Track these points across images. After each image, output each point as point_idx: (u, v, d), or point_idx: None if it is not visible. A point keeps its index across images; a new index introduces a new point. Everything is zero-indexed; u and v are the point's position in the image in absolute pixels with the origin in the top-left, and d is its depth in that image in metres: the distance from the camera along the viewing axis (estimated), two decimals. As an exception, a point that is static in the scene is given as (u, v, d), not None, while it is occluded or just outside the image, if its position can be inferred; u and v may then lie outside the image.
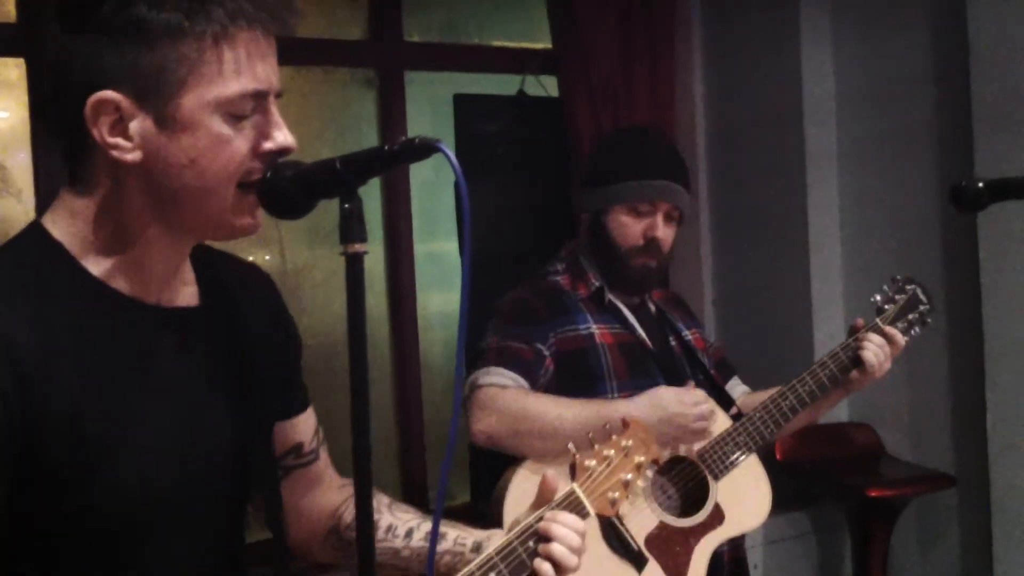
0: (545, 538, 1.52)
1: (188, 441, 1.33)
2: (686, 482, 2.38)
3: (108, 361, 1.27)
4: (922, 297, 2.57)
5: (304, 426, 1.60)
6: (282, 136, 1.29)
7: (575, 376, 2.43)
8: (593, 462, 1.62)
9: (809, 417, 2.52)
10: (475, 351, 2.43)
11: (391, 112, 3.89)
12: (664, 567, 2.30)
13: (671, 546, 2.32)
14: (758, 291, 4.16)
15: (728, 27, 4.24)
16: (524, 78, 4.01)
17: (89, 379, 1.24)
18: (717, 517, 2.39)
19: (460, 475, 3.85)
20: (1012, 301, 3.42)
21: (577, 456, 1.61)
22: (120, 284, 1.31)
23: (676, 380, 2.50)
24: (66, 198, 1.30)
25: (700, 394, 2.36)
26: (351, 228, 1.18)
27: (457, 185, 1.16)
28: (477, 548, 1.56)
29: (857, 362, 2.44)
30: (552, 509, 1.55)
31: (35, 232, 1.30)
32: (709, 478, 2.38)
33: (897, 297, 2.55)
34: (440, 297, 4.33)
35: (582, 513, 1.57)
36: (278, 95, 1.31)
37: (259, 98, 1.27)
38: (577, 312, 2.49)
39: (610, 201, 2.52)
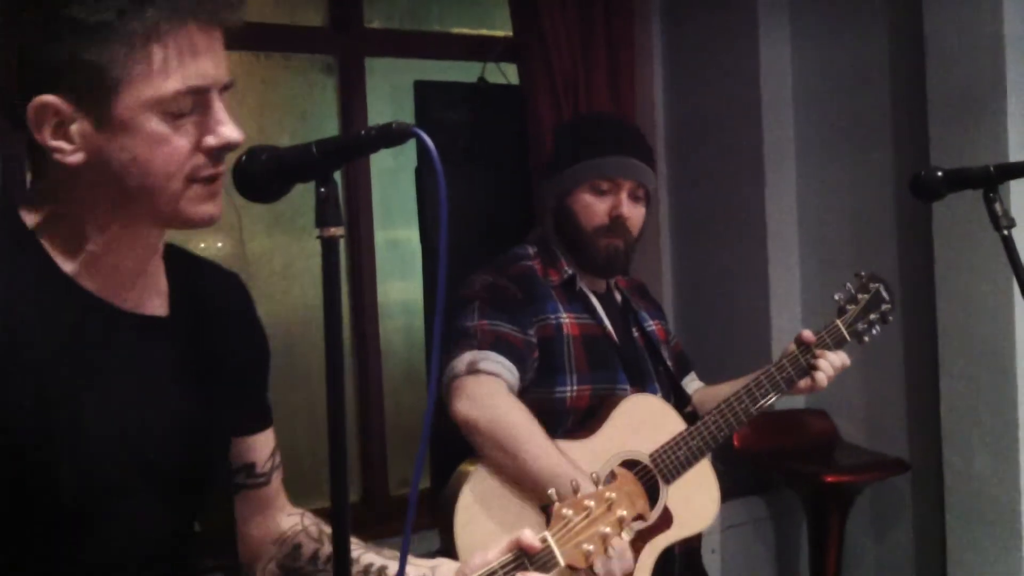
0: None
1: (142, 440, 1.34)
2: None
3: (71, 355, 1.28)
4: (885, 295, 2.57)
5: (260, 446, 1.60)
6: (226, 131, 1.28)
7: (539, 365, 2.42)
8: (571, 511, 1.57)
9: (757, 415, 2.52)
10: (459, 331, 2.36)
11: (352, 99, 3.88)
12: None
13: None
14: (717, 283, 4.20)
15: (688, 21, 4.26)
16: (485, 65, 4.01)
17: (51, 371, 1.25)
18: (665, 520, 2.38)
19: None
20: (965, 291, 3.48)
21: (556, 504, 1.57)
22: (87, 283, 1.31)
23: (637, 374, 2.50)
24: (33, 190, 1.32)
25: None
26: (327, 212, 1.18)
27: (433, 171, 1.17)
28: None
29: (808, 373, 2.46)
30: (521, 557, 1.52)
31: (9, 217, 1.31)
32: (660, 481, 2.38)
33: (860, 296, 2.55)
34: (400, 285, 4.32)
35: (552, 562, 1.54)
36: (226, 87, 1.29)
37: (199, 94, 1.26)
38: (548, 300, 2.46)
39: (572, 184, 2.50)
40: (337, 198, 1.20)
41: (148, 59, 1.21)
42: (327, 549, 1.57)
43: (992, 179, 1.86)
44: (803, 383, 2.47)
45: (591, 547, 1.56)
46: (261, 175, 1.24)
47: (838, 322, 2.52)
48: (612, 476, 1.64)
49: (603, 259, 2.50)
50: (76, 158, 1.24)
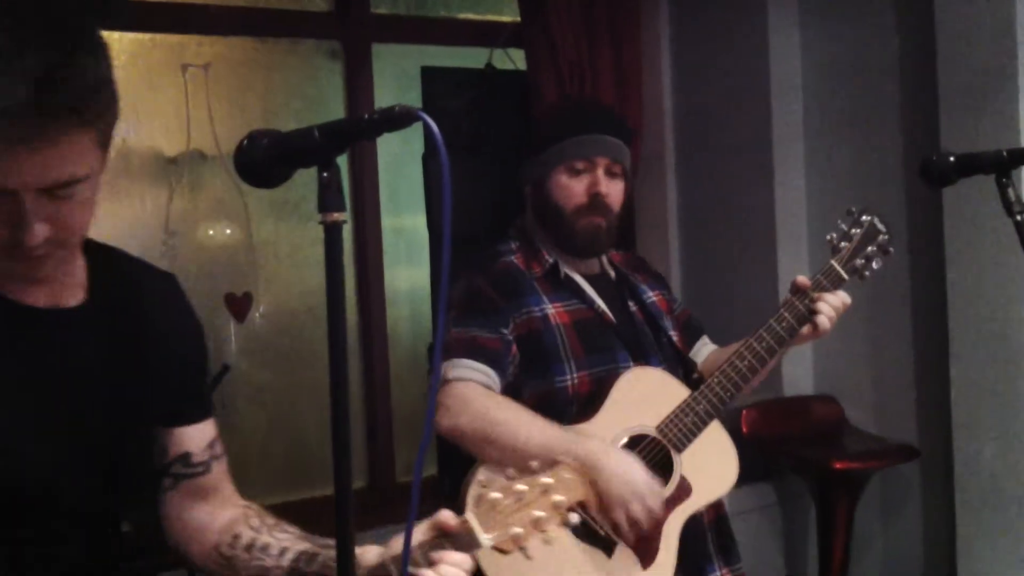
0: (425, 563, 1.49)
1: (49, 437, 1.36)
2: (650, 459, 2.36)
3: None
4: (879, 226, 2.49)
5: (197, 436, 1.61)
6: (28, 235, 1.26)
7: (531, 360, 2.38)
8: (499, 495, 1.54)
9: (765, 372, 2.48)
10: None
11: (358, 85, 3.86)
12: (634, 548, 2.29)
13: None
14: (725, 270, 4.18)
15: (696, 6, 4.23)
16: (492, 51, 3.99)
17: None
18: (684, 490, 2.36)
19: (428, 448, 3.84)
20: (976, 276, 3.46)
21: (484, 488, 1.55)
22: None
23: (640, 352, 2.48)
24: None
25: (665, 496, 2.32)
26: (330, 197, 1.16)
27: (436, 154, 1.14)
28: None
29: (808, 319, 2.40)
30: (441, 538, 1.51)
31: None
32: (672, 452, 2.36)
33: (853, 232, 2.48)
34: (407, 272, 4.32)
35: (472, 543, 1.52)
36: (57, 186, 1.26)
37: (6, 195, 1.24)
38: (531, 294, 2.43)
39: (547, 166, 2.48)
40: (340, 183, 1.18)
41: None
42: (263, 538, 1.60)
43: (1005, 164, 1.84)
44: (805, 330, 2.41)
45: (520, 530, 1.53)
46: (262, 160, 1.22)
47: (832, 261, 2.44)
48: (552, 464, 1.62)
49: (585, 239, 2.47)
50: None
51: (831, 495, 3.80)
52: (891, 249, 2.50)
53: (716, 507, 2.49)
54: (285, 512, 1.64)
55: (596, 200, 2.44)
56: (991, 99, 3.32)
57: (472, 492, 2.24)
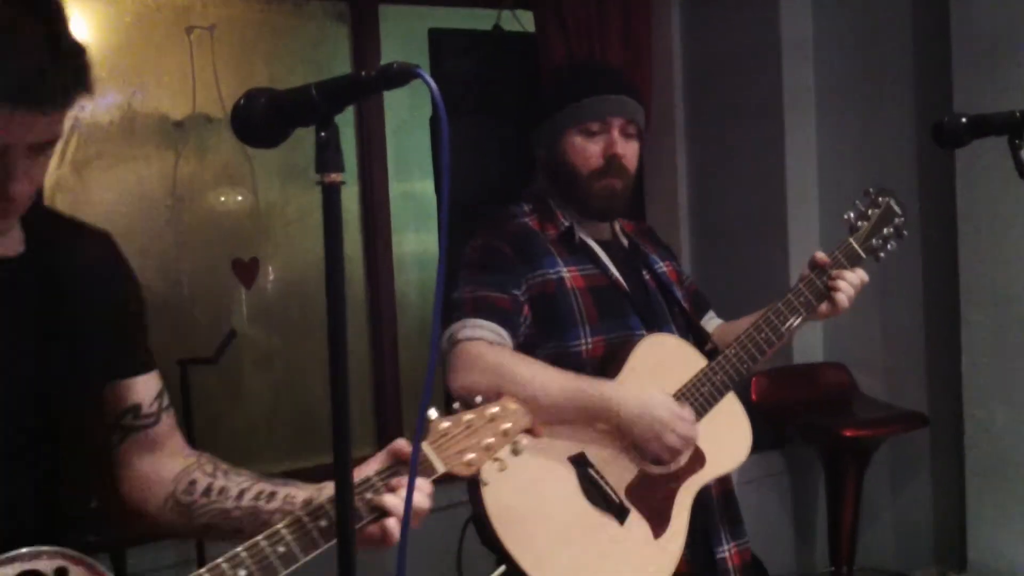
0: (384, 491, 1.54)
1: None
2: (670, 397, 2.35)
3: None
4: (896, 208, 2.49)
5: (144, 388, 1.62)
6: (12, 188, 1.34)
7: (546, 322, 2.37)
8: (449, 424, 1.63)
9: (779, 347, 2.48)
10: (449, 303, 2.35)
11: (365, 47, 3.83)
12: (646, 516, 2.27)
13: (653, 494, 2.29)
14: (735, 232, 4.16)
15: (706, -36, 4.19)
16: (500, 13, 3.95)
17: None
18: (698, 460, 2.35)
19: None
20: (988, 241, 3.43)
21: (433, 420, 1.62)
22: None
23: (652, 319, 2.46)
24: None
25: (692, 417, 2.31)
26: (327, 157, 1.14)
27: (436, 112, 1.12)
28: (308, 503, 1.55)
29: (826, 296, 2.41)
30: (398, 465, 1.57)
31: None
32: None
33: (871, 212, 2.48)
34: (415, 237, 4.30)
35: (429, 469, 1.59)
36: (44, 145, 1.35)
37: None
38: (546, 255, 2.41)
39: (561, 128, 2.44)
40: (338, 143, 1.16)
41: None
42: (220, 482, 1.61)
43: (1018, 125, 1.81)
44: (823, 307, 2.41)
45: (473, 455, 1.63)
46: (260, 119, 1.21)
47: (851, 239, 2.45)
48: (497, 397, 1.70)
49: (601, 202, 2.44)
50: None
51: (840, 463, 3.79)
52: (906, 232, 2.50)
53: (723, 482, 2.47)
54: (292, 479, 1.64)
55: (612, 161, 2.41)
56: (1004, 60, 3.28)
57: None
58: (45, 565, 1.35)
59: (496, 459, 1.67)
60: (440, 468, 1.60)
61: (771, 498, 4.10)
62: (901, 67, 3.79)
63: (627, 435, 2.23)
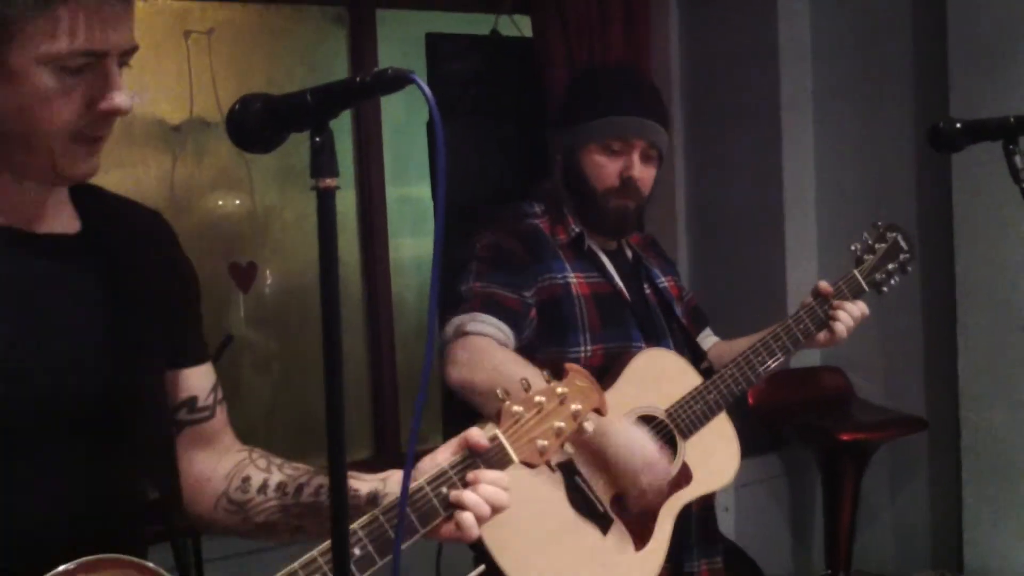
0: (460, 484, 1.47)
1: (39, 365, 1.30)
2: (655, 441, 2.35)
3: None
4: (903, 244, 2.52)
5: (200, 380, 1.56)
6: (116, 97, 1.27)
7: (548, 326, 2.37)
8: (521, 408, 1.55)
9: (776, 370, 2.50)
10: (455, 295, 2.32)
11: (362, 51, 3.83)
12: (629, 528, 2.27)
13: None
14: (732, 235, 4.16)
15: (704, -32, 4.20)
16: (497, 17, 3.96)
17: None
18: (684, 476, 2.35)
19: (433, 417, 3.85)
20: (985, 245, 3.43)
21: (506, 402, 1.54)
22: None
23: (651, 332, 2.46)
24: None
25: (668, 466, 2.31)
26: (322, 162, 1.14)
27: (431, 118, 1.12)
28: (372, 499, 1.50)
29: (826, 325, 2.43)
30: (471, 457, 1.49)
31: None
32: (678, 437, 2.35)
33: (877, 246, 2.51)
34: (412, 242, 4.30)
35: (505, 459, 1.51)
36: (126, 53, 1.29)
37: (95, 56, 1.25)
38: (555, 259, 2.41)
39: (583, 140, 2.44)
40: (333, 147, 1.16)
41: (51, 15, 1.21)
42: (276, 477, 1.55)
43: (1012, 130, 1.81)
44: (822, 336, 2.43)
45: (545, 442, 1.55)
46: (255, 124, 1.21)
47: (855, 272, 2.47)
48: (564, 372, 1.62)
49: (613, 221, 2.45)
50: None
51: (838, 466, 3.79)
52: (910, 269, 2.53)
53: (704, 499, 2.48)
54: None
55: (628, 183, 2.41)
56: (1002, 63, 3.29)
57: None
58: None
59: (566, 445, 1.58)
60: (515, 459, 1.53)
61: (768, 501, 4.10)
62: (899, 69, 3.80)
63: (608, 463, 2.22)
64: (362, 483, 1.53)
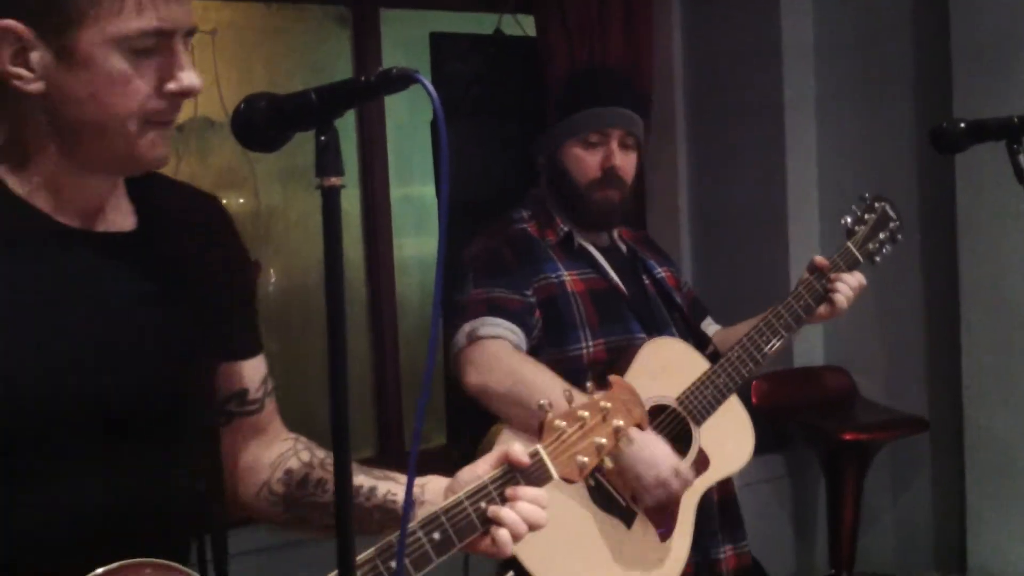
0: (499, 500, 1.45)
1: (93, 363, 1.29)
2: (668, 430, 2.36)
3: (15, 274, 1.26)
4: (891, 213, 2.55)
5: (252, 372, 1.56)
6: (187, 77, 1.27)
7: (548, 327, 2.39)
8: (564, 423, 1.51)
9: (779, 350, 2.50)
10: (456, 305, 2.35)
11: (366, 51, 3.83)
12: (652, 519, 2.29)
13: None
14: (735, 232, 4.15)
15: (707, -32, 4.20)
16: (501, 17, 3.96)
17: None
18: (702, 462, 2.36)
19: (435, 417, 3.85)
20: (988, 245, 3.43)
21: (548, 415, 1.51)
22: (42, 203, 1.30)
23: (652, 323, 2.48)
24: None
25: (692, 476, 2.31)
26: (327, 161, 1.14)
27: (435, 118, 1.12)
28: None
29: (825, 298, 2.44)
30: (511, 471, 1.47)
31: None
32: (691, 424, 2.36)
33: (867, 216, 2.53)
34: (416, 241, 4.30)
35: (545, 476, 1.49)
36: (189, 33, 1.28)
37: (163, 36, 1.25)
38: (547, 260, 2.44)
39: (560, 138, 2.48)
40: (338, 146, 1.17)
41: None
42: (317, 473, 1.55)
43: (1015, 130, 1.82)
44: (823, 309, 2.45)
45: (586, 459, 1.52)
46: (260, 123, 1.22)
47: (849, 244, 2.50)
48: (607, 384, 1.59)
49: (599, 212, 2.48)
50: (35, 87, 1.24)
51: (840, 466, 3.79)
52: (900, 237, 2.55)
53: (725, 484, 2.49)
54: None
55: (610, 173, 2.45)
56: (1004, 64, 3.29)
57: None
58: None
59: (606, 460, 1.55)
60: (555, 476, 1.49)
61: (771, 501, 4.10)
62: (902, 69, 3.79)
63: (624, 473, 2.22)
64: (400, 487, 1.53)
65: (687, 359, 2.43)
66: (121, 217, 1.38)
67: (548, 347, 2.38)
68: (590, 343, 2.39)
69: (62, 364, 1.27)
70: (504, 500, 1.45)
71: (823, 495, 3.96)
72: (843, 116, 3.99)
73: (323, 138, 1.15)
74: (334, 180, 1.14)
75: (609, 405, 1.55)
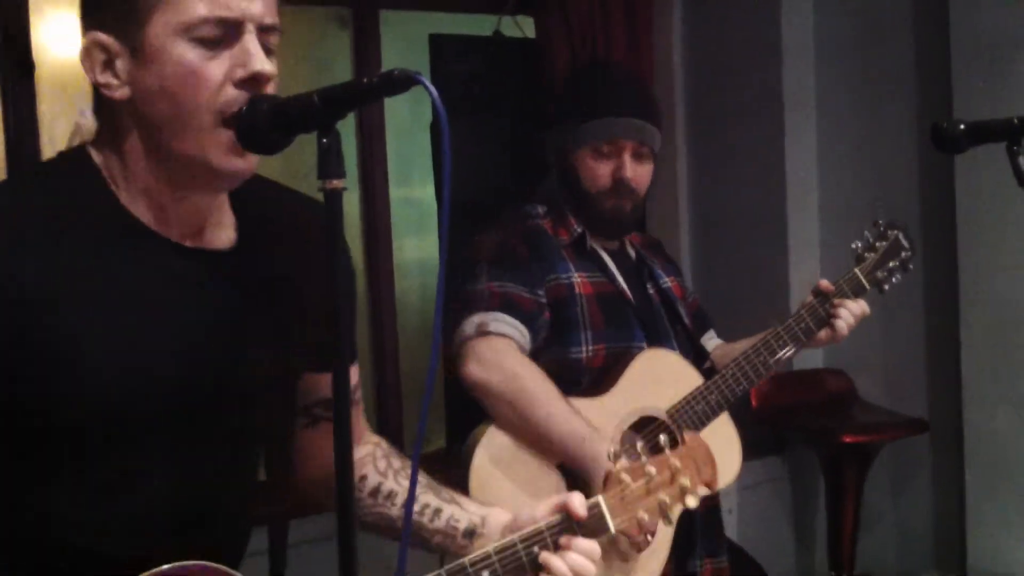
0: (552, 546, 1.47)
1: (180, 371, 1.32)
2: (655, 442, 2.35)
3: (117, 289, 1.29)
4: (904, 242, 2.54)
5: None
6: (256, 62, 1.27)
7: (553, 326, 2.39)
8: (629, 477, 1.51)
9: (775, 370, 2.50)
10: (467, 294, 2.33)
11: (366, 52, 3.83)
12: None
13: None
14: (735, 231, 4.15)
15: (707, -33, 4.20)
16: (500, 18, 3.96)
17: (92, 301, 1.26)
18: None
19: (436, 419, 3.85)
20: (988, 246, 3.43)
21: (616, 467, 1.52)
22: (145, 216, 1.33)
23: (654, 332, 2.47)
24: (99, 131, 1.36)
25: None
26: (329, 164, 1.15)
27: (437, 119, 1.12)
28: (470, 533, 1.54)
29: (827, 323, 2.44)
30: (569, 520, 1.48)
31: (78, 154, 1.35)
32: (679, 437, 2.35)
33: (878, 244, 2.52)
34: (416, 243, 4.30)
35: (603, 528, 1.50)
36: (266, 29, 1.30)
37: (230, 27, 1.26)
38: (559, 260, 2.43)
39: (573, 145, 2.46)
40: (340, 149, 1.17)
41: None
42: (388, 485, 1.59)
43: (1016, 131, 1.81)
44: (823, 334, 2.45)
45: (646, 516, 1.52)
46: (262, 125, 1.23)
47: (856, 270, 2.48)
48: (681, 441, 1.59)
49: (609, 221, 2.47)
50: (122, 93, 1.28)
51: (840, 468, 3.79)
52: (911, 267, 2.53)
53: (710, 498, 2.48)
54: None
55: (621, 184, 2.43)
56: (1004, 63, 3.29)
57: (476, 461, 2.24)
58: None
59: (666, 516, 1.54)
60: (611, 529, 1.50)
61: (771, 503, 4.10)
62: (902, 68, 3.79)
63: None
64: (463, 514, 1.57)
65: (680, 372, 2.43)
66: (223, 233, 1.40)
67: (550, 346, 2.38)
68: (591, 346, 2.38)
69: (146, 362, 1.30)
70: (557, 547, 1.47)
71: (823, 497, 3.96)
72: (843, 116, 3.99)
73: (325, 140, 1.16)
74: (336, 183, 1.15)
75: (679, 464, 1.55)
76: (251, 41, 1.27)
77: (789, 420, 3.92)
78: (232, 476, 1.43)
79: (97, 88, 1.29)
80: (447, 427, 3.61)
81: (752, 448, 2.48)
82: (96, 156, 1.34)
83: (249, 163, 1.31)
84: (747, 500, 3.93)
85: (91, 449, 1.28)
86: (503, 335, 2.26)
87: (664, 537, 2.30)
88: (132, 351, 1.29)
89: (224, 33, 1.25)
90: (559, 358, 2.37)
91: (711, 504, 2.52)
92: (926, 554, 3.89)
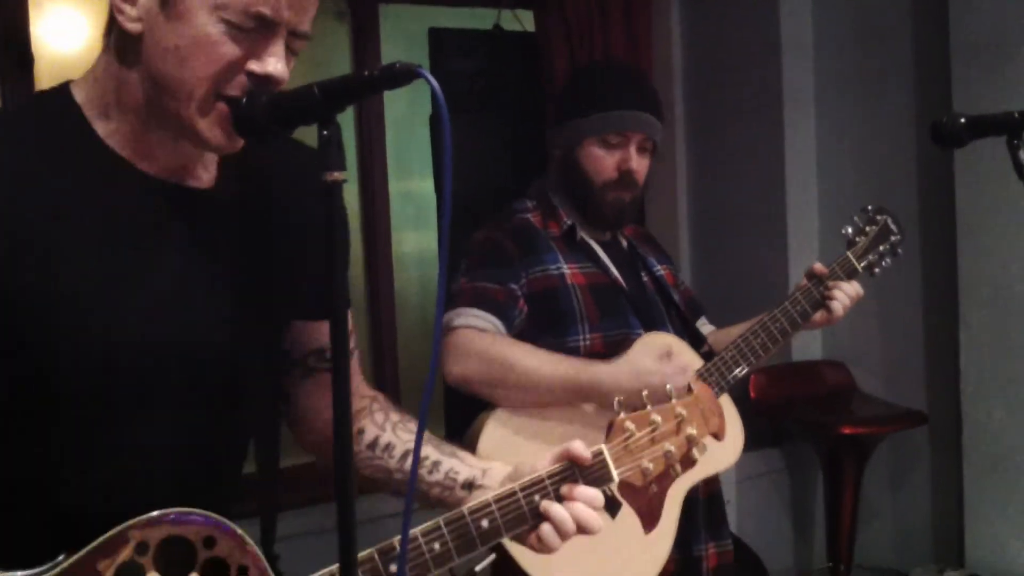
0: (554, 496, 1.45)
1: (169, 319, 1.31)
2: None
3: (98, 224, 1.28)
4: (892, 227, 2.57)
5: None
6: (272, 64, 1.28)
7: (546, 318, 2.40)
8: (633, 425, 1.47)
9: (771, 353, 2.51)
10: (448, 294, 2.37)
11: (365, 46, 3.83)
12: (638, 511, 2.29)
13: (644, 489, 2.31)
14: (734, 228, 4.16)
15: (706, -37, 4.20)
16: (500, 12, 3.96)
17: (71, 237, 1.26)
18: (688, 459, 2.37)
19: (435, 413, 3.85)
20: (987, 240, 3.44)
21: (620, 415, 1.48)
22: (126, 151, 1.32)
23: (649, 320, 2.48)
24: (96, 61, 1.35)
25: (674, 345, 2.32)
26: (330, 156, 1.14)
27: (437, 112, 1.12)
28: (469, 485, 1.51)
29: (822, 305, 2.46)
30: (571, 468, 1.46)
31: (58, 91, 1.35)
32: None
33: (868, 228, 2.56)
34: (415, 236, 4.31)
35: (606, 477, 1.47)
36: (297, 36, 1.31)
37: (266, 24, 1.27)
38: (548, 252, 2.44)
39: (581, 135, 2.48)
40: (340, 141, 1.17)
41: None
42: (387, 437, 1.57)
43: (1016, 125, 1.81)
44: (819, 316, 2.48)
45: (651, 465, 1.49)
46: (262, 117, 1.23)
47: (848, 254, 2.52)
48: (688, 390, 1.55)
49: (610, 213, 2.49)
50: (133, 27, 1.27)
51: (839, 460, 3.80)
52: (901, 251, 2.56)
53: (711, 483, 2.50)
54: (295, 475, 1.57)
55: (626, 176, 2.46)
56: (1003, 60, 3.29)
57: (482, 444, 2.25)
58: (193, 533, 1.26)
59: (672, 466, 1.50)
60: (615, 478, 1.48)
61: (770, 495, 4.10)
62: (901, 64, 3.80)
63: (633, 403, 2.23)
64: (463, 466, 1.54)
65: (681, 353, 2.44)
66: (204, 173, 1.39)
67: (546, 338, 2.39)
68: (588, 336, 2.40)
69: (127, 298, 1.29)
70: (560, 498, 1.44)
71: (821, 489, 3.97)
72: (842, 112, 3.99)
73: (326, 132, 1.16)
74: (337, 175, 1.14)
75: (685, 412, 1.52)
76: (278, 43, 1.28)
77: (788, 412, 3.92)
78: (226, 430, 1.41)
79: (113, 9, 1.28)
80: (446, 421, 3.61)
81: (751, 440, 2.49)
82: (78, 94, 1.33)
83: (235, 143, 1.31)
84: (745, 492, 3.93)
85: (74, 398, 1.27)
86: (467, 327, 2.28)
87: (670, 521, 2.31)
88: (112, 289, 1.28)
89: (256, 26, 1.26)
90: (558, 349, 2.38)
91: (713, 490, 2.53)
92: (924, 546, 3.90)
